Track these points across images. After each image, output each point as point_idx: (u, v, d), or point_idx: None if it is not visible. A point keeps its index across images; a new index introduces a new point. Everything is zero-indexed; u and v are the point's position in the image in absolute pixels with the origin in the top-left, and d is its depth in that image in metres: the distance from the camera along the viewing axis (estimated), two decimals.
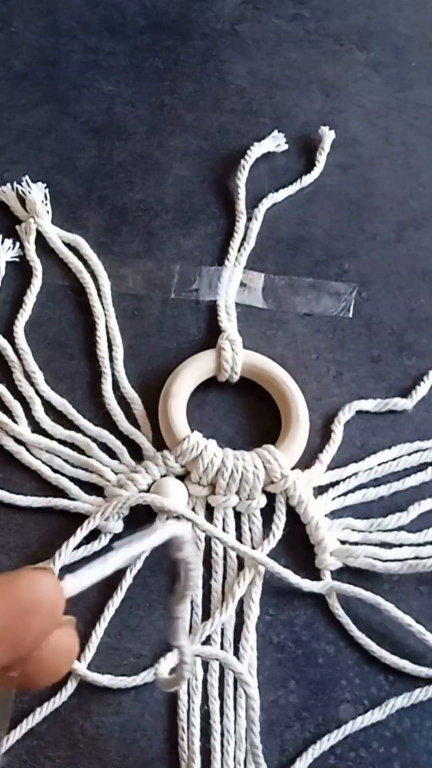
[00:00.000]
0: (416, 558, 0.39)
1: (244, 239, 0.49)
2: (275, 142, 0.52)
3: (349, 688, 0.37)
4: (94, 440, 0.42)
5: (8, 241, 0.48)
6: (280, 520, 0.40)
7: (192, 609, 0.39)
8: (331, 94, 0.56)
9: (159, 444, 0.42)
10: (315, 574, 0.40)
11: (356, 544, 0.40)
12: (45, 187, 0.49)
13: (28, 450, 0.42)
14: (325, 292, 0.48)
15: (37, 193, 0.49)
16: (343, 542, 0.40)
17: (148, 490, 0.40)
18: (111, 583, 0.38)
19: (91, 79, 0.55)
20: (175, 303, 0.47)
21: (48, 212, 0.49)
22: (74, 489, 0.41)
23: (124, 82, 0.55)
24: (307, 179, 0.51)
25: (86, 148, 0.52)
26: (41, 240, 0.48)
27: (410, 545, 0.40)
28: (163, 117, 0.54)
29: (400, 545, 0.40)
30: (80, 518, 0.40)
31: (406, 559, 0.39)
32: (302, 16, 0.59)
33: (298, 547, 0.40)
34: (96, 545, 0.39)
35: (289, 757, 0.36)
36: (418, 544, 0.40)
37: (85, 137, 0.53)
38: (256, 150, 0.51)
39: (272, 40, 0.58)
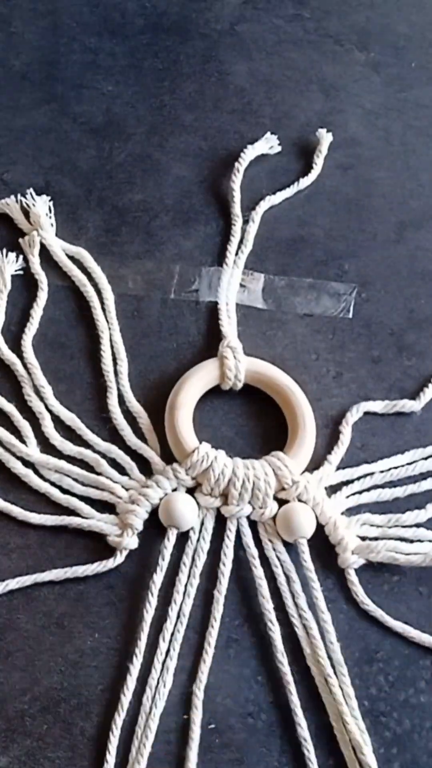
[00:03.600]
0: None
1: (241, 242, 0.49)
2: (268, 144, 0.52)
3: None
4: (104, 456, 0.42)
5: (12, 255, 0.47)
6: None
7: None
8: (330, 95, 0.56)
9: (167, 456, 0.42)
10: (339, 573, 0.40)
11: (375, 539, 0.40)
12: (49, 200, 0.49)
13: (36, 471, 0.41)
14: (325, 293, 0.48)
15: (42, 205, 0.48)
16: (362, 538, 0.40)
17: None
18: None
19: (90, 80, 0.55)
20: (175, 303, 0.47)
21: (52, 225, 0.48)
22: (86, 509, 0.40)
23: (123, 83, 0.55)
24: (305, 182, 0.51)
25: (86, 148, 0.52)
26: (44, 252, 0.48)
27: (430, 541, 0.40)
28: (163, 117, 0.54)
29: (419, 541, 0.40)
30: (93, 536, 0.40)
31: (429, 553, 0.39)
32: (302, 16, 0.59)
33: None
34: (111, 562, 0.39)
35: (290, 758, 0.36)
36: None
37: (85, 137, 0.53)
38: (250, 153, 0.51)
39: (272, 40, 0.58)
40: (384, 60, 0.57)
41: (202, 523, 0.40)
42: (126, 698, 0.36)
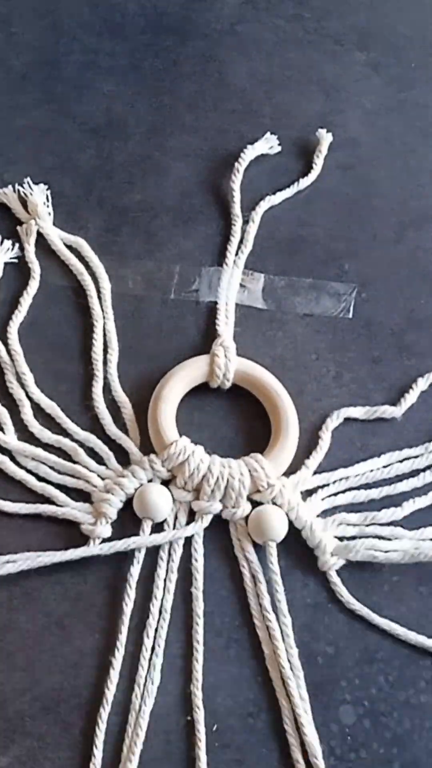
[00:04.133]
0: (416, 549, 0.39)
1: (241, 242, 0.49)
2: (268, 144, 0.52)
3: (349, 689, 0.37)
4: (82, 445, 0.42)
5: (8, 243, 0.48)
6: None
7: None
8: (330, 95, 0.56)
9: (147, 449, 0.42)
10: (321, 576, 0.40)
11: (353, 538, 0.40)
12: (46, 189, 0.49)
13: (13, 459, 0.41)
14: (325, 293, 0.48)
15: (39, 194, 0.49)
16: (340, 539, 0.40)
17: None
18: None
19: (90, 80, 0.55)
20: (175, 304, 0.47)
21: (49, 214, 0.49)
22: (61, 497, 0.40)
23: (123, 83, 0.55)
24: (305, 182, 0.51)
25: (86, 148, 0.52)
26: (42, 242, 0.48)
27: (407, 539, 0.40)
28: (163, 117, 0.54)
29: (397, 539, 0.40)
30: (68, 524, 0.40)
31: (407, 550, 0.39)
32: (302, 16, 0.59)
33: (298, 551, 0.40)
34: (84, 550, 0.39)
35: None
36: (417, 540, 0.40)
37: (85, 138, 0.53)
38: (250, 153, 0.51)
39: (272, 40, 0.58)
40: (384, 60, 0.57)
41: (176, 517, 0.40)
42: (110, 692, 0.36)
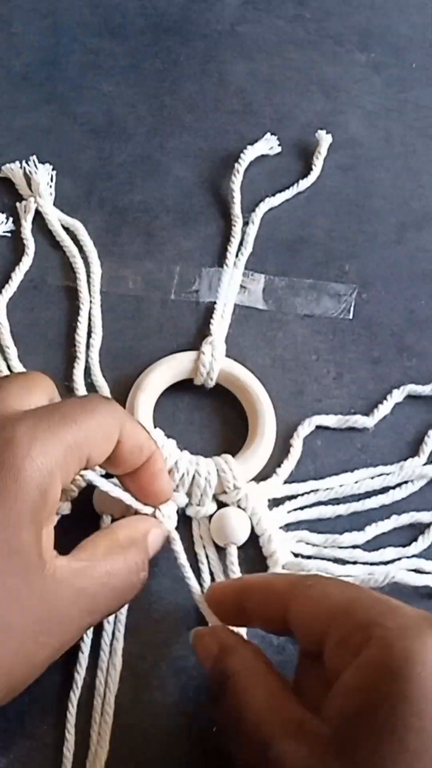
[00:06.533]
0: (369, 575, 0.39)
1: (241, 243, 0.49)
2: (268, 145, 0.52)
3: None
4: None
5: (1, 216, 0.48)
6: None
7: None
8: (331, 95, 0.56)
9: None
10: None
11: (309, 557, 0.40)
12: (52, 169, 0.50)
13: None
14: (326, 294, 0.48)
15: (43, 174, 0.49)
16: (296, 555, 0.40)
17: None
18: None
19: (91, 80, 0.55)
20: (175, 304, 0.47)
21: (51, 194, 0.49)
22: None
23: (124, 83, 0.55)
24: (304, 183, 0.51)
25: (86, 149, 0.52)
26: (42, 226, 0.49)
27: (364, 563, 0.40)
28: (163, 118, 0.54)
29: (354, 562, 0.40)
30: None
31: (358, 576, 0.39)
32: (303, 17, 0.59)
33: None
34: None
35: None
36: (372, 563, 0.40)
37: (85, 138, 0.53)
38: (249, 153, 0.51)
39: (272, 41, 0.58)
40: (385, 61, 0.57)
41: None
42: (80, 676, 0.37)
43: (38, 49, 0.56)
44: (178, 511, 0.40)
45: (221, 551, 0.40)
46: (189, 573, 0.38)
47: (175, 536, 0.38)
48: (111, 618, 0.37)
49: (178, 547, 0.38)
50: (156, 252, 0.49)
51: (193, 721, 0.37)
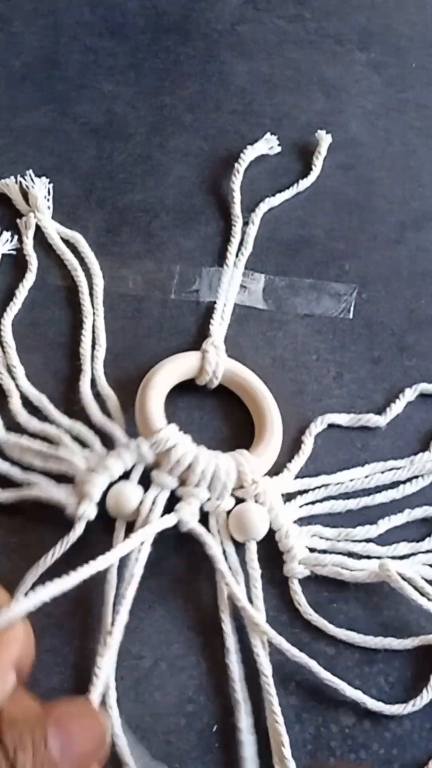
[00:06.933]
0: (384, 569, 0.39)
1: (241, 243, 0.49)
2: (268, 145, 0.52)
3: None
4: (68, 433, 0.41)
5: (6, 234, 0.48)
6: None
7: None
8: (331, 95, 0.56)
9: (133, 437, 0.41)
10: (282, 581, 0.39)
11: (324, 552, 0.40)
12: (48, 183, 0.49)
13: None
14: (326, 293, 0.48)
15: (40, 187, 0.49)
16: (311, 550, 0.40)
17: (121, 478, 0.39)
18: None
19: (91, 80, 0.55)
20: (175, 304, 0.47)
21: (49, 208, 0.49)
22: (44, 482, 0.39)
23: (124, 83, 0.55)
24: (304, 183, 0.51)
25: (86, 148, 0.52)
26: (41, 236, 0.48)
27: (378, 557, 0.40)
28: (164, 117, 0.54)
29: (368, 557, 0.40)
30: (52, 509, 0.39)
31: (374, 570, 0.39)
32: (303, 16, 0.59)
33: (268, 551, 0.40)
34: (72, 536, 0.38)
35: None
36: (387, 558, 0.40)
37: (85, 138, 0.53)
38: (249, 153, 0.51)
39: (273, 40, 0.58)
40: (385, 60, 0.58)
41: (154, 501, 0.39)
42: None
43: (38, 49, 0.56)
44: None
45: (239, 547, 0.40)
46: (223, 566, 0.38)
47: (202, 530, 0.38)
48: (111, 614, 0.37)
49: (209, 539, 0.38)
50: (156, 252, 0.49)
51: (193, 721, 0.37)
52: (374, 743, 0.36)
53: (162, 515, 0.39)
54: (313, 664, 0.36)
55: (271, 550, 0.40)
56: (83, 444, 0.41)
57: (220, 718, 0.37)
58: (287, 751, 0.35)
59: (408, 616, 0.39)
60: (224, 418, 0.44)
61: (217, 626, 0.38)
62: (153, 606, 0.39)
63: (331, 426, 0.44)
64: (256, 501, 0.40)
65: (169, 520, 0.38)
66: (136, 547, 0.38)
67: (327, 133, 0.53)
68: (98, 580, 0.39)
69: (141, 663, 0.38)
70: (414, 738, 0.37)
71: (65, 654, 0.38)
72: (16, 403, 0.42)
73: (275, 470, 0.42)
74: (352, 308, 0.48)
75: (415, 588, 0.38)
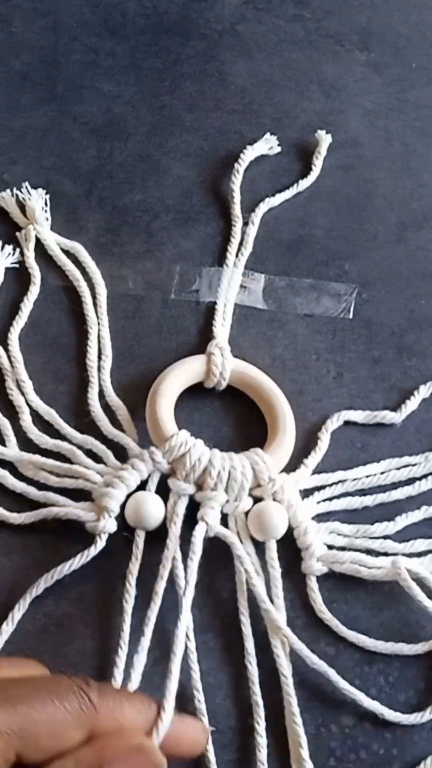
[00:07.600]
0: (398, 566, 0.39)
1: (241, 243, 0.49)
2: (268, 145, 0.52)
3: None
4: (80, 447, 0.41)
5: (8, 248, 0.47)
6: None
7: None
8: (331, 95, 0.56)
9: (145, 447, 0.41)
10: (299, 578, 0.39)
11: (342, 549, 0.40)
12: (45, 193, 0.49)
13: (12, 470, 0.41)
14: (326, 293, 0.48)
15: (37, 199, 0.48)
16: (329, 547, 0.40)
17: (137, 489, 0.40)
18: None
19: (91, 80, 0.55)
20: (175, 304, 0.47)
21: (47, 219, 0.49)
22: (61, 499, 0.40)
23: (124, 83, 0.55)
24: (304, 183, 0.51)
25: (86, 148, 0.52)
26: (42, 247, 0.48)
27: (395, 554, 0.40)
28: (163, 117, 0.54)
29: (386, 554, 0.40)
30: (72, 526, 0.39)
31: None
32: (303, 16, 0.59)
33: (286, 549, 0.40)
34: (93, 550, 0.38)
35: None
36: (404, 555, 0.40)
37: (85, 138, 0.53)
38: (249, 153, 0.51)
39: (273, 40, 0.58)
40: (385, 60, 0.58)
41: (174, 511, 0.39)
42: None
43: (38, 48, 0.56)
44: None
45: (258, 546, 0.40)
46: (249, 567, 0.38)
47: (227, 532, 0.38)
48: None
49: (235, 541, 0.38)
50: (156, 252, 0.49)
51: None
52: (374, 743, 0.36)
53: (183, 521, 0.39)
54: (332, 673, 0.36)
55: (291, 548, 0.40)
56: (96, 458, 0.42)
57: (221, 718, 0.37)
58: (305, 753, 0.35)
59: (408, 616, 0.39)
60: (231, 418, 0.44)
61: (236, 627, 0.38)
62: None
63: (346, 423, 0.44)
64: (274, 499, 0.40)
65: (201, 530, 0.38)
66: (171, 557, 0.38)
67: (327, 133, 0.53)
68: (99, 579, 0.39)
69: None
70: (414, 738, 0.37)
71: (65, 654, 0.38)
72: (27, 420, 0.42)
73: (288, 468, 0.42)
74: (352, 308, 0.48)
75: (427, 587, 0.38)
